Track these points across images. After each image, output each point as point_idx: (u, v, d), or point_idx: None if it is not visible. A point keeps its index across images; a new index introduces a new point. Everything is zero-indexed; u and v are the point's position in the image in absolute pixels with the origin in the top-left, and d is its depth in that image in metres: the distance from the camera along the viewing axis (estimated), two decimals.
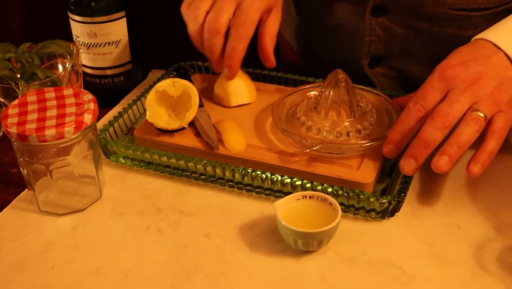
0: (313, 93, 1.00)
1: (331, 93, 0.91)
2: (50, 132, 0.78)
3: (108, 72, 1.13)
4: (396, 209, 0.83)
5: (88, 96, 0.85)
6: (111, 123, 0.97)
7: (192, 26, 0.94)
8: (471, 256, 0.78)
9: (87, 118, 0.81)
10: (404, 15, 1.03)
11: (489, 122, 0.82)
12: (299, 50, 1.27)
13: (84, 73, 1.12)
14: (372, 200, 0.81)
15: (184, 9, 0.96)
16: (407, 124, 0.84)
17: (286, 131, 0.91)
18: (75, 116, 0.81)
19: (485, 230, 0.82)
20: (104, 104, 1.10)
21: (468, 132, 0.80)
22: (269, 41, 0.95)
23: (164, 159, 0.90)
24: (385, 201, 0.81)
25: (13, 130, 0.79)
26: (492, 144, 0.82)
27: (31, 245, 0.82)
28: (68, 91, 0.86)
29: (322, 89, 0.93)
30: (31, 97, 0.85)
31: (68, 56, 0.99)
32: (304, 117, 0.93)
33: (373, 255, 0.79)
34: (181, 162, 0.89)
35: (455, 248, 0.79)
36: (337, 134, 0.90)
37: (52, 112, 0.82)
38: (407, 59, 1.09)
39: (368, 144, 0.87)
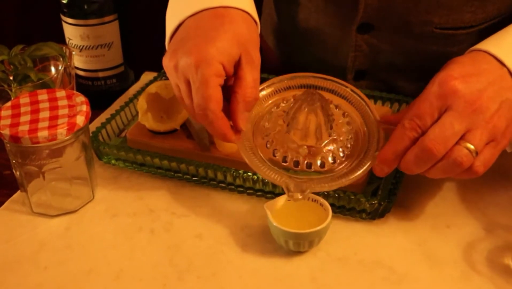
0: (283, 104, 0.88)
1: (308, 119, 0.82)
2: (42, 134, 0.79)
3: (101, 74, 1.13)
4: (386, 209, 0.83)
5: (80, 98, 0.85)
6: (103, 125, 0.98)
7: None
8: (461, 256, 0.79)
9: (80, 120, 0.82)
10: (391, 33, 1.02)
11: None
12: (281, 57, 1.26)
13: (77, 76, 1.13)
14: (362, 200, 0.82)
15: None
16: (401, 144, 0.78)
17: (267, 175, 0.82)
18: (67, 118, 0.81)
19: (474, 230, 0.83)
20: (97, 106, 1.11)
21: (445, 170, 0.77)
22: (238, 110, 0.80)
23: (156, 160, 0.90)
24: (375, 202, 0.82)
25: (6, 132, 0.79)
26: (463, 175, 0.78)
27: (23, 245, 0.82)
28: (60, 94, 0.86)
29: (294, 111, 0.83)
30: (24, 99, 0.85)
31: (61, 59, 0.99)
32: (278, 146, 0.84)
33: (364, 255, 0.79)
34: (173, 164, 0.89)
35: (445, 248, 0.80)
36: (321, 163, 0.83)
37: (45, 114, 0.82)
38: (392, 73, 1.09)
39: (360, 171, 0.81)
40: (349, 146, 0.84)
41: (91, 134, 0.92)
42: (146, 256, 0.80)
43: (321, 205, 0.80)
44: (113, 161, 0.95)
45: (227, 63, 0.78)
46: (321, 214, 0.79)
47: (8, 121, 0.81)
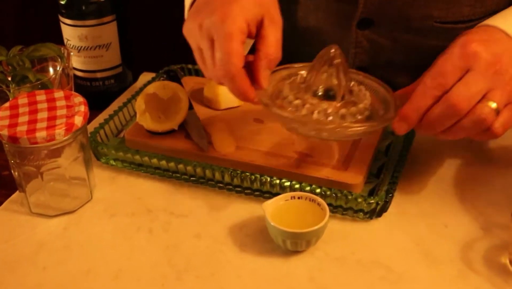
0: (302, 72, 0.93)
1: (321, 72, 0.86)
2: (41, 134, 0.79)
3: (99, 75, 1.13)
4: (383, 209, 0.83)
5: (78, 98, 0.86)
6: (101, 125, 0.98)
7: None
8: (458, 255, 0.79)
9: (78, 120, 0.82)
10: (391, 28, 1.03)
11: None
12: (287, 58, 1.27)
13: (75, 76, 1.13)
14: (360, 200, 0.82)
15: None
16: (423, 102, 0.79)
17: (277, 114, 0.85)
18: (65, 119, 0.81)
19: (471, 230, 0.83)
20: (95, 107, 1.11)
21: (469, 128, 0.78)
22: (260, 66, 0.81)
23: (155, 160, 0.91)
24: (373, 201, 0.82)
25: (4, 132, 0.79)
26: (483, 135, 0.80)
27: (22, 246, 0.82)
28: (59, 94, 0.86)
29: (312, 67, 0.87)
30: (22, 100, 0.85)
31: (59, 59, 0.99)
32: (291, 96, 0.87)
33: (362, 255, 0.80)
34: (171, 164, 0.90)
35: (442, 247, 0.80)
36: (327, 116, 0.84)
37: (43, 114, 0.82)
38: (392, 69, 1.09)
39: (364, 127, 0.82)
40: (367, 112, 0.86)
41: (89, 135, 0.92)
42: (144, 256, 0.80)
43: (319, 204, 0.81)
44: (111, 161, 0.95)
45: (250, 21, 0.79)
46: (319, 213, 0.80)
47: (6, 122, 0.81)
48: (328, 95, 0.86)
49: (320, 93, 0.86)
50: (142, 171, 0.94)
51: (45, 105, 0.84)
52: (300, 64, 0.94)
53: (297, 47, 1.19)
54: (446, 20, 0.98)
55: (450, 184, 0.91)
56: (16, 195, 0.90)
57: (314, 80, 0.86)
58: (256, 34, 0.82)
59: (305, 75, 0.90)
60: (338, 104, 0.85)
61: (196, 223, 0.85)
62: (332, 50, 0.85)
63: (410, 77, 1.08)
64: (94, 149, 0.94)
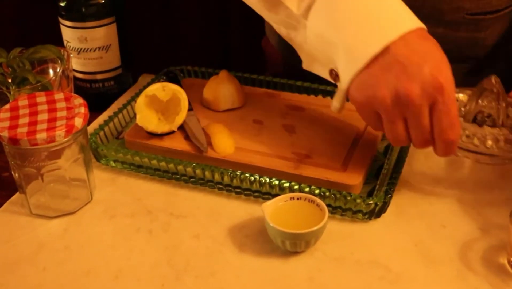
0: (461, 95, 0.94)
1: (480, 100, 0.88)
2: (41, 136, 0.79)
3: (99, 76, 1.14)
4: (382, 210, 0.84)
5: (78, 100, 0.86)
6: (101, 127, 0.98)
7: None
8: (457, 255, 0.79)
9: (78, 122, 0.82)
10: (422, 22, 1.04)
11: None
12: (289, 58, 1.26)
13: (75, 78, 1.13)
14: (358, 201, 0.82)
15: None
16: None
17: None
18: (66, 120, 0.82)
19: (470, 230, 0.83)
20: (95, 109, 1.11)
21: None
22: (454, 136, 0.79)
23: (154, 162, 0.91)
24: (371, 202, 0.82)
25: (5, 134, 0.80)
26: None
27: (22, 247, 0.82)
28: (59, 96, 0.87)
29: (473, 94, 0.90)
30: (23, 102, 0.86)
31: (59, 61, 1.00)
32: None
33: (361, 255, 0.80)
34: (171, 165, 0.90)
35: (440, 247, 0.81)
36: (482, 140, 0.87)
37: (43, 116, 0.83)
38: None
39: None
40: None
41: (89, 136, 0.93)
42: (144, 257, 0.80)
43: (318, 205, 0.81)
44: (111, 163, 0.95)
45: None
46: (318, 214, 0.80)
47: (6, 124, 0.81)
48: (486, 121, 0.89)
49: (480, 120, 0.89)
50: (142, 172, 0.94)
51: (45, 107, 0.84)
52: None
53: None
54: (476, 11, 1.00)
55: (449, 184, 0.91)
56: (16, 196, 0.91)
57: (474, 107, 0.89)
58: None
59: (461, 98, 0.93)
60: (501, 130, 0.88)
61: (195, 223, 0.85)
62: (492, 80, 0.88)
63: None
64: (94, 150, 0.94)
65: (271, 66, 1.33)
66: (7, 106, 0.85)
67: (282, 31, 0.90)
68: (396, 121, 0.78)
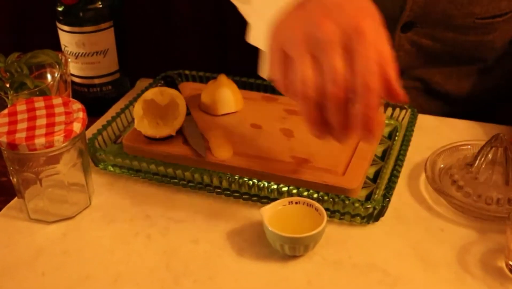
0: (468, 147, 0.95)
1: (489, 155, 0.87)
2: (40, 141, 0.79)
3: (96, 81, 1.14)
4: (380, 213, 0.84)
5: (77, 105, 0.86)
6: (99, 131, 0.98)
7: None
8: (455, 259, 0.80)
9: (76, 127, 0.82)
10: (432, 28, 1.04)
11: None
12: None
13: (73, 83, 1.13)
14: (357, 205, 0.82)
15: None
16: None
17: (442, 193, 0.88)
18: (64, 125, 0.82)
19: (468, 234, 0.83)
20: (93, 113, 1.11)
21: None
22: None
23: (153, 166, 0.91)
24: (370, 206, 0.82)
25: (3, 139, 0.80)
26: None
27: (21, 251, 0.82)
28: (57, 101, 0.87)
29: (480, 150, 0.89)
30: (21, 107, 0.86)
31: (57, 66, 1.00)
32: (457, 175, 0.90)
33: (359, 259, 0.80)
34: (169, 169, 0.90)
35: (439, 251, 0.81)
36: (487, 201, 0.86)
37: (42, 121, 0.83)
38: (429, 68, 1.10)
39: None
40: None
41: (87, 141, 0.93)
42: (143, 261, 0.80)
43: (316, 209, 0.81)
44: (109, 167, 0.95)
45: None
46: (316, 218, 0.80)
47: (5, 129, 0.81)
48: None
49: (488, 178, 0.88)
50: (140, 177, 0.94)
51: (43, 112, 0.84)
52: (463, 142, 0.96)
53: None
54: (486, 15, 1.00)
55: None
56: (14, 201, 0.91)
57: (482, 163, 0.88)
58: None
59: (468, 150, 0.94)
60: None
61: (194, 228, 0.85)
62: (500, 137, 0.88)
63: (446, 73, 1.10)
64: (92, 155, 0.94)
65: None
66: (5, 111, 0.85)
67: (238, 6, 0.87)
68: (304, 59, 0.69)
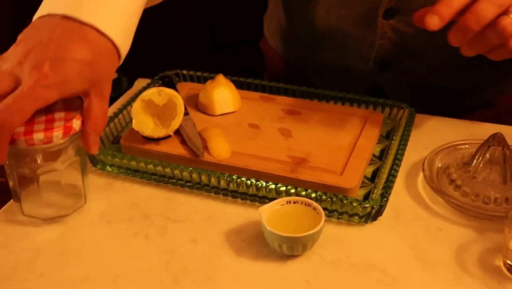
0: (466, 146, 0.95)
1: (487, 155, 0.88)
2: (38, 136, 0.79)
3: None
4: (378, 213, 0.84)
5: (77, 102, 0.86)
6: None
7: None
8: (453, 258, 0.80)
9: (76, 124, 0.82)
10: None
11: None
12: (289, 58, 1.26)
13: None
14: (355, 204, 0.82)
15: None
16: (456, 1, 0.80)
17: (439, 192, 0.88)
18: (64, 122, 0.81)
19: (466, 233, 0.84)
20: None
21: (492, 40, 0.81)
22: (90, 140, 0.80)
23: (151, 166, 0.91)
24: (368, 205, 0.82)
25: None
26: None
27: (19, 253, 0.82)
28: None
29: (478, 149, 0.90)
30: None
31: None
32: (455, 174, 0.90)
33: (357, 259, 0.80)
34: (167, 169, 0.90)
35: (437, 250, 0.81)
36: (485, 200, 0.87)
37: (41, 116, 0.82)
38: (416, 61, 1.10)
39: None
40: None
41: None
42: (141, 261, 0.80)
43: (314, 209, 0.81)
44: (107, 167, 0.95)
45: (68, 95, 0.76)
46: (314, 218, 0.80)
47: None
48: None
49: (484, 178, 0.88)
50: (138, 177, 0.94)
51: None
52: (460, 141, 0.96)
53: (312, 50, 1.19)
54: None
55: None
56: (11, 202, 0.90)
57: (480, 162, 0.88)
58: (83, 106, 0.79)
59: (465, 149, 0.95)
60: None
61: (192, 228, 0.86)
62: (497, 136, 0.88)
63: (433, 69, 1.09)
64: (90, 155, 0.94)
65: (270, 67, 1.33)
66: None
67: None
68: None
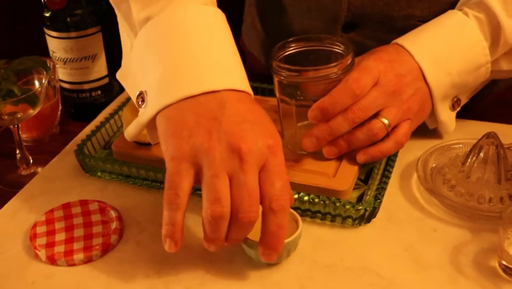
0: (460, 146, 0.95)
1: (481, 154, 0.87)
2: (78, 256, 0.80)
3: (86, 86, 1.13)
4: (372, 215, 0.84)
5: (113, 213, 0.87)
6: (88, 137, 0.98)
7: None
8: (448, 259, 0.79)
9: (114, 239, 0.83)
10: (375, 29, 1.04)
11: (395, 126, 0.89)
12: (267, 63, 1.27)
13: (62, 88, 1.13)
14: (348, 207, 0.82)
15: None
16: (340, 98, 0.85)
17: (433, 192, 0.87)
18: (102, 238, 0.82)
19: (460, 233, 0.83)
20: (82, 119, 1.11)
21: (362, 140, 0.88)
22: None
23: (142, 172, 0.90)
24: (361, 207, 0.82)
25: (42, 253, 0.80)
26: (390, 145, 0.89)
27: (11, 261, 0.82)
28: (93, 206, 0.88)
29: (471, 149, 0.89)
30: (58, 213, 0.86)
31: (44, 72, 0.99)
32: (449, 175, 0.90)
33: (351, 262, 0.80)
34: (159, 175, 0.89)
35: (431, 251, 0.80)
36: (480, 200, 0.86)
37: (79, 232, 0.83)
38: None
39: None
40: None
41: (76, 147, 0.92)
42: (134, 268, 0.80)
43: (294, 218, 0.79)
44: (98, 173, 0.95)
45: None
46: (291, 225, 0.78)
47: (43, 240, 0.82)
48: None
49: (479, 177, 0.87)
50: (130, 182, 0.93)
51: (80, 220, 0.85)
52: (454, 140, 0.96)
53: None
54: (428, 18, 0.99)
55: None
56: (3, 210, 0.90)
57: (474, 162, 0.88)
58: None
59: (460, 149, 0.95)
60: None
61: (185, 233, 0.84)
62: (491, 135, 0.88)
63: None
64: (82, 161, 0.94)
65: (252, 71, 1.33)
66: (43, 218, 0.86)
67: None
68: (221, 175, 0.71)
